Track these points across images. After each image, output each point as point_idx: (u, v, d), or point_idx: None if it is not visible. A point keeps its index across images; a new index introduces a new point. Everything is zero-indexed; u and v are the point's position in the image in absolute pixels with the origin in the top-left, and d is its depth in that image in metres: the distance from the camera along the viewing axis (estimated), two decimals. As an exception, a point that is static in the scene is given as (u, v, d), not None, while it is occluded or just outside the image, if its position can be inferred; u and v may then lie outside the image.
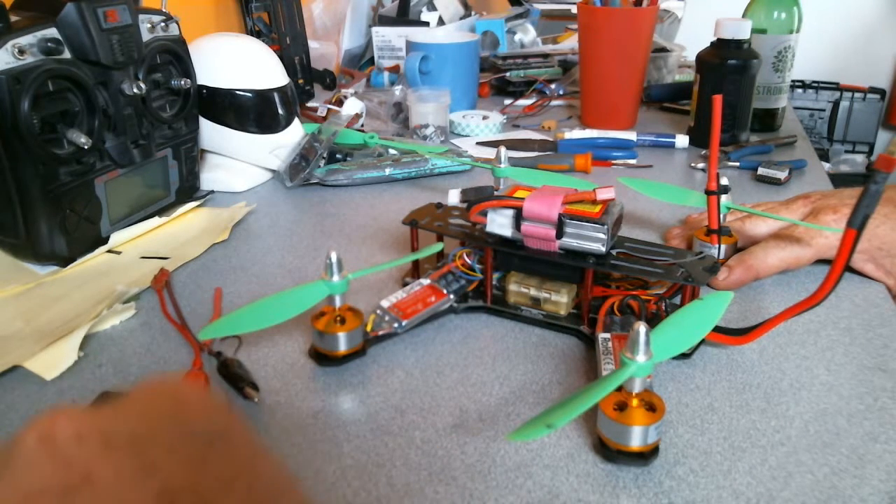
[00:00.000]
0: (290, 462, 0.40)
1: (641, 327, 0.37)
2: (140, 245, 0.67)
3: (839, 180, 0.98)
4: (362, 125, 1.00)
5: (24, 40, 0.54)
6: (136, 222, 0.68)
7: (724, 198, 0.59)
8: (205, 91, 0.76)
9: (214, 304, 0.56)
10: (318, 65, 1.24)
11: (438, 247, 0.54)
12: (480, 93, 1.17)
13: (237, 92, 0.77)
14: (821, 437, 0.41)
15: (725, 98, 0.58)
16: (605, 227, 0.48)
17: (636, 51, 0.96)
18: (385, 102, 1.04)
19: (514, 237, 0.51)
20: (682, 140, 0.93)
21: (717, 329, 0.47)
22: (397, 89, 1.05)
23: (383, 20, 1.35)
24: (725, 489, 0.38)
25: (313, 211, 0.75)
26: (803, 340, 0.50)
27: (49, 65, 0.56)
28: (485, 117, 1.01)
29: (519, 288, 0.53)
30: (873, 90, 2.48)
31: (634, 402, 0.38)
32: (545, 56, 1.27)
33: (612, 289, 0.52)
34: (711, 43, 0.90)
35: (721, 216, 0.58)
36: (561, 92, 1.16)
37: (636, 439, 0.38)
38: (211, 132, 0.79)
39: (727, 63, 0.88)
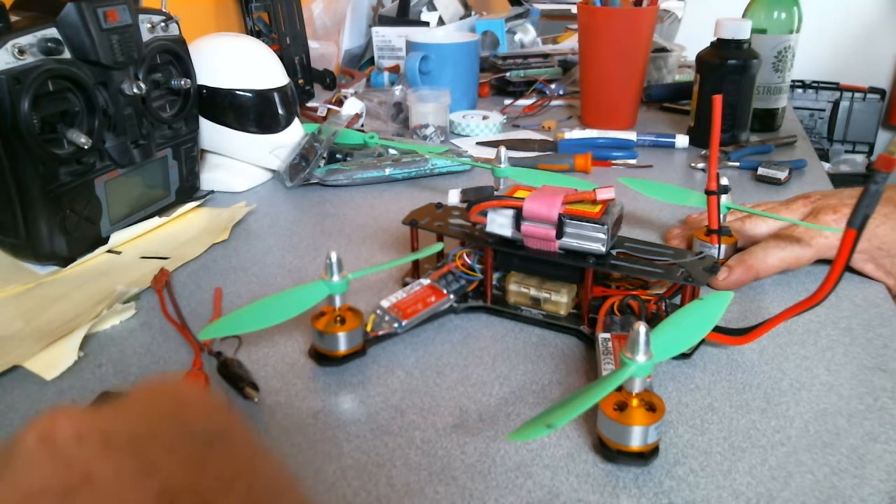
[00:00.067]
0: (290, 462, 0.40)
1: (641, 327, 0.37)
2: (140, 245, 0.67)
3: (839, 180, 0.98)
4: (362, 125, 1.00)
5: (24, 40, 0.54)
6: (136, 222, 0.68)
7: (724, 198, 0.59)
8: (205, 91, 0.76)
9: (214, 304, 0.56)
10: (318, 65, 1.24)
11: (438, 247, 0.54)
12: (480, 93, 1.17)
13: (237, 92, 0.77)
14: (821, 437, 0.41)
15: (725, 98, 0.58)
16: (605, 227, 0.48)
17: (636, 51, 0.96)
18: (385, 102, 1.04)
19: (514, 237, 0.51)
20: (682, 140, 0.93)
21: (717, 329, 0.47)
22: (397, 89, 1.05)
23: (383, 20, 1.35)
24: (725, 489, 0.38)
25: (313, 211, 0.75)
26: (803, 340, 0.51)
27: (49, 65, 0.56)
28: (485, 117, 1.01)
29: (519, 288, 0.53)
30: (873, 90, 2.48)
31: (634, 402, 0.38)
32: (545, 56, 1.27)
33: (612, 289, 0.52)
34: (711, 43, 0.90)
35: (721, 216, 0.58)
36: (561, 92, 1.16)
37: (636, 439, 0.38)
38: (211, 132, 0.79)
39: (727, 63, 0.88)
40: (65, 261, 0.61)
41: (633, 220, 0.71)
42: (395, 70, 1.24)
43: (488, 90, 1.22)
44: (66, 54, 0.58)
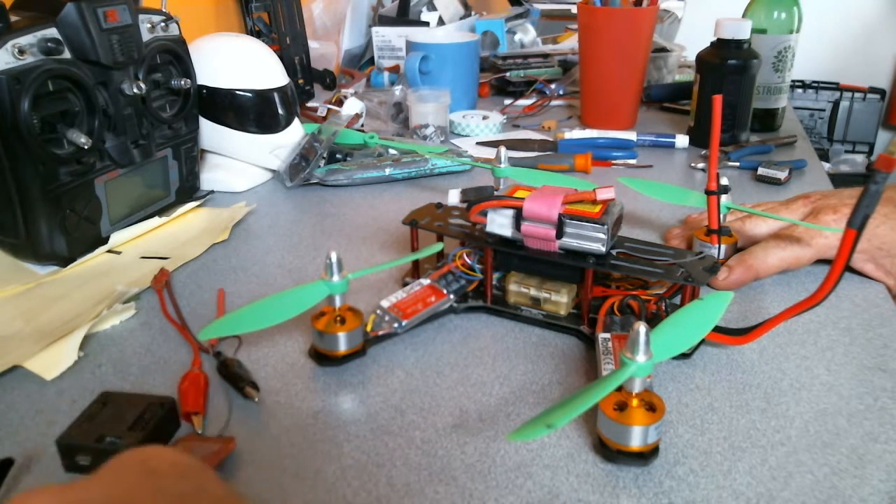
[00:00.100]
0: (290, 462, 0.40)
1: (641, 327, 0.37)
2: (140, 245, 0.67)
3: (839, 180, 0.98)
4: (362, 125, 1.00)
5: (24, 40, 0.54)
6: (136, 222, 0.68)
7: (724, 198, 0.59)
8: (205, 91, 0.76)
9: (218, 305, 0.56)
10: (318, 65, 1.24)
11: (438, 247, 0.54)
12: (480, 93, 1.17)
13: (237, 92, 0.77)
14: (821, 437, 0.41)
15: (725, 98, 0.58)
16: (605, 227, 0.48)
17: (636, 51, 0.96)
18: (385, 102, 1.04)
19: (514, 237, 0.51)
20: (682, 140, 0.93)
21: (717, 329, 0.47)
22: (397, 89, 1.05)
23: (383, 20, 1.35)
24: (725, 489, 0.38)
25: (313, 211, 0.75)
26: (803, 340, 0.51)
27: (49, 65, 0.56)
28: (485, 117, 1.01)
29: (519, 288, 0.53)
30: (873, 90, 2.48)
31: (634, 402, 0.38)
32: (545, 56, 1.27)
33: (612, 289, 0.52)
34: (711, 43, 0.90)
35: (721, 216, 0.58)
36: (561, 92, 1.16)
37: (636, 439, 0.38)
38: (211, 132, 0.79)
39: (727, 63, 0.88)
40: (65, 261, 0.61)
41: (633, 220, 0.71)
42: (395, 70, 1.24)
43: (488, 90, 1.22)
44: (66, 54, 0.58)
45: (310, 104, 1.11)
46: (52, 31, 0.57)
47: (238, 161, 0.81)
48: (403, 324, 0.50)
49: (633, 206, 0.73)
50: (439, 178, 0.84)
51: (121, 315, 0.54)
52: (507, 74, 1.20)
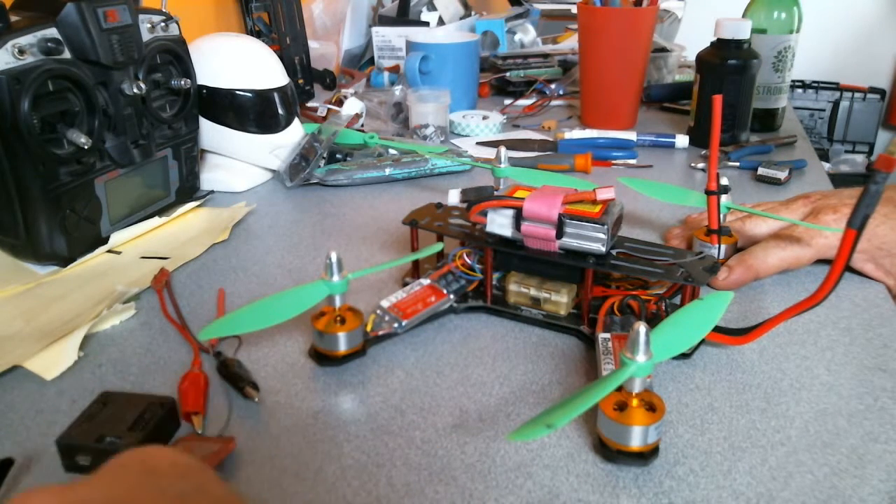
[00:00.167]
0: (290, 462, 0.40)
1: (641, 327, 0.37)
2: (140, 245, 0.67)
3: (839, 180, 0.98)
4: (362, 125, 1.00)
5: (24, 40, 0.54)
6: (136, 222, 0.68)
7: (724, 198, 0.59)
8: (205, 91, 0.76)
9: (218, 305, 0.56)
10: (318, 65, 1.24)
11: (438, 247, 0.54)
12: (480, 93, 1.17)
13: (237, 92, 0.77)
14: (821, 437, 0.41)
15: (725, 98, 0.58)
16: (605, 227, 0.48)
17: (636, 51, 0.96)
18: (385, 102, 1.04)
19: (514, 237, 0.51)
20: (682, 140, 0.93)
21: (717, 329, 0.47)
22: (397, 89, 1.05)
23: (383, 20, 1.35)
24: (725, 489, 0.38)
25: (313, 211, 0.75)
26: (803, 340, 0.51)
27: (49, 65, 0.56)
28: (485, 117, 1.01)
29: (519, 288, 0.53)
30: (873, 90, 2.48)
31: (634, 402, 0.38)
32: (545, 56, 1.27)
33: (612, 289, 0.52)
34: (711, 43, 0.90)
35: (721, 216, 0.58)
36: (561, 92, 1.16)
37: (636, 439, 0.38)
38: (211, 132, 0.79)
39: (727, 63, 0.88)
40: (65, 261, 0.61)
41: (633, 220, 0.71)
42: (395, 70, 1.24)
43: (488, 90, 1.22)
44: (66, 54, 0.58)
45: (310, 104, 1.11)
46: (52, 31, 0.57)
47: (238, 161, 0.81)
48: (403, 324, 0.50)
49: (633, 206, 0.73)
50: (439, 178, 0.84)
51: (121, 315, 0.54)
52: (507, 74, 1.20)
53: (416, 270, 0.58)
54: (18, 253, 0.62)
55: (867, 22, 2.47)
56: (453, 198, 0.74)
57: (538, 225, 0.49)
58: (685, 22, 1.55)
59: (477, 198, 0.59)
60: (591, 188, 0.49)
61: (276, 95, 0.80)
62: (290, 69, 1.12)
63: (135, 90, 0.63)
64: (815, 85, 2.48)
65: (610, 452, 0.39)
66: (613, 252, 0.50)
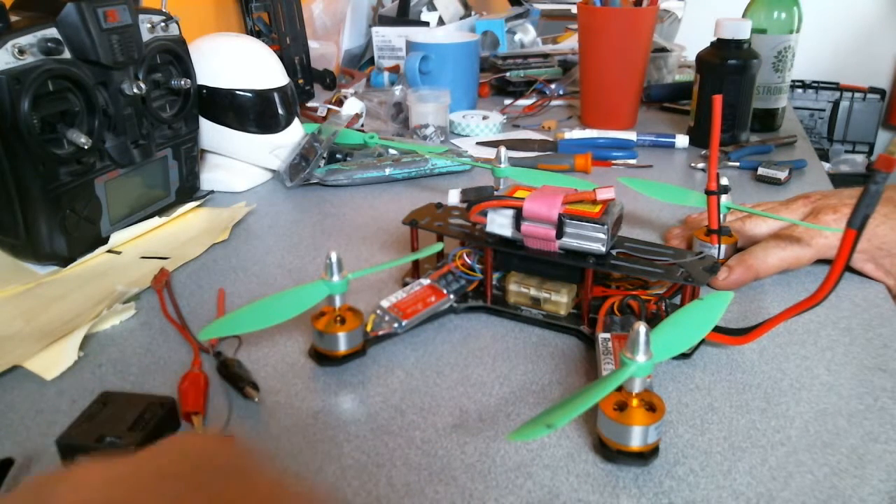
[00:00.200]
0: (290, 462, 0.40)
1: (641, 327, 0.37)
2: (140, 245, 0.67)
3: (839, 180, 0.98)
4: (362, 125, 1.00)
5: (24, 40, 0.54)
6: (136, 222, 0.68)
7: (724, 198, 0.59)
8: (205, 91, 0.76)
9: (218, 305, 0.56)
10: (318, 65, 1.24)
11: (438, 247, 0.54)
12: (480, 93, 1.17)
13: (237, 92, 0.77)
14: (821, 437, 0.41)
15: (725, 98, 0.58)
16: (605, 227, 0.48)
17: (636, 51, 0.96)
18: (385, 102, 1.04)
19: (514, 237, 0.51)
20: (682, 140, 0.93)
21: (717, 329, 0.47)
22: (397, 89, 1.05)
23: (383, 20, 1.35)
24: (725, 489, 0.38)
25: (313, 211, 0.75)
26: (803, 340, 0.50)
27: (49, 65, 0.56)
28: (485, 117, 1.01)
29: (519, 288, 0.53)
30: (873, 90, 2.48)
31: (634, 402, 0.38)
32: (545, 56, 1.27)
33: (612, 289, 0.52)
34: (711, 43, 0.90)
35: (721, 216, 0.58)
36: (561, 92, 1.16)
37: (636, 439, 0.38)
38: (211, 132, 0.79)
39: (727, 63, 0.88)
40: (65, 261, 0.61)
41: (633, 220, 0.71)
42: (395, 70, 1.24)
43: (488, 90, 1.22)
44: (66, 54, 0.58)
45: (310, 104, 1.11)
46: (52, 31, 0.57)
47: (238, 161, 0.81)
48: (403, 324, 0.50)
49: (633, 206, 0.73)
50: (439, 178, 0.84)
51: (121, 315, 0.54)
52: (507, 74, 1.20)
53: (416, 270, 0.58)
54: (18, 253, 0.62)
55: (867, 22, 2.47)
56: (453, 198, 0.74)
57: (538, 225, 0.49)
58: (685, 22, 1.55)
59: (477, 198, 0.59)
60: (591, 188, 0.49)
61: (276, 95, 0.80)
62: (290, 69, 1.12)
63: (135, 90, 0.63)
64: (815, 85, 2.48)
65: (610, 452, 0.39)
66: (613, 252, 0.50)
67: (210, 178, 0.80)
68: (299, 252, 0.66)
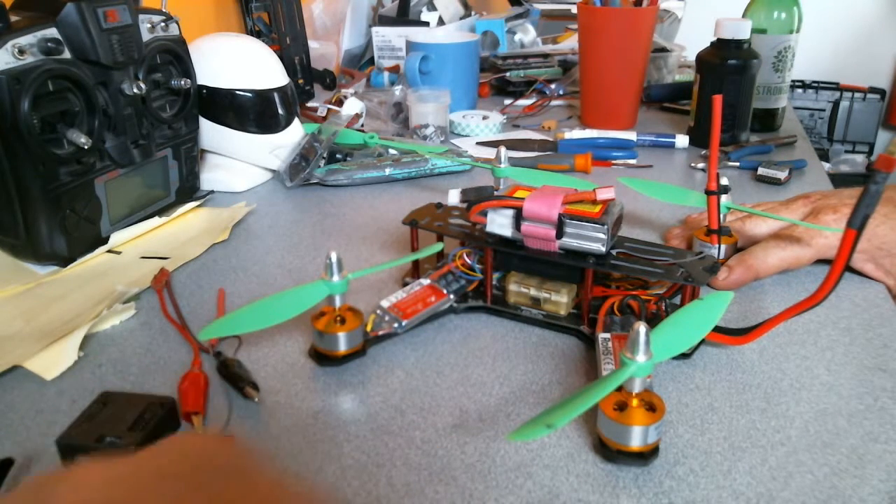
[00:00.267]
0: (290, 462, 0.40)
1: (641, 327, 0.37)
2: (140, 245, 0.67)
3: (839, 180, 0.98)
4: (362, 125, 1.00)
5: (24, 40, 0.54)
6: (136, 222, 0.68)
7: (724, 198, 0.59)
8: (205, 91, 0.76)
9: (218, 305, 0.56)
10: (318, 65, 1.24)
11: (438, 247, 0.54)
12: (480, 93, 1.17)
13: (237, 92, 0.77)
14: (821, 437, 0.41)
15: (725, 98, 0.58)
16: (605, 227, 0.48)
17: (636, 51, 0.96)
18: (385, 102, 1.04)
19: (514, 237, 0.51)
20: (682, 140, 0.93)
21: (717, 329, 0.47)
22: (397, 89, 1.05)
23: (383, 20, 1.35)
24: (725, 489, 0.38)
25: (313, 211, 0.75)
26: (803, 340, 0.50)
27: (49, 65, 0.56)
28: (485, 117, 1.01)
29: (519, 288, 0.53)
30: (873, 90, 2.48)
31: (634, 402, 0.38)
32: (545, 56, 1.27)
33: (612, 289, 0.52)
34: (711, 43, 0.90)
35: (721, 216, 0.58)
36: (561, 92, 1.16)
37: (636, 439, 0.38)
38: (211, 132, 0.79)
39: (727, 63, 0.88)
40: (65, 261, 0.61)
41: (633, 220, 0.71)
42: (395, 70, 1.24)
43: (488, 90, 1.22)
44: (66, 54, 0.58)
45: (310, 104, 1.11)
46: (52, 31, 0.57)
47: (238, 161, 0.81)
48: (403, 324, 0.50)
49: (633, 206, 0.73)
50: (439, 178, 0.84)
51: (121, 315, 0.54)
52: (507, 74, 1.20)
53: (416, 270, 0.58)
54: (18, 253, 0.62)
55: (867, 22, 2.47)
56: (453, 198, 0.74)
57: (538, 225, 0.49)
58: (685, 22, 1.55)
59: (477, 198, 0.59)
60: (591, 188, 0.49)
61: (276, 95, 0.80)
62: (290, 69, 1.13)
63: (135, 90, 0.63)
64: (815, 85, 2.48)
65: (610, 452, 0.39)
66: (613, 252, 0.50)
67: (210, 178, 0.80)
68: (299, 252, 0.66)
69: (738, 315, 0.54)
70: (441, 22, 1.33)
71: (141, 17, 0.65)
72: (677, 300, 0.51)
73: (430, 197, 0.78)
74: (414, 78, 1.03)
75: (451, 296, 0.53)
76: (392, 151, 0.86)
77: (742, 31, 0.87)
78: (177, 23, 0.70)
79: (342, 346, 0.48)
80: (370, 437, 0.42)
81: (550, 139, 0.95)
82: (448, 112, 0.98)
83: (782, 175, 0.80)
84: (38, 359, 0.48)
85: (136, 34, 0.63)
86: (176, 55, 0.70)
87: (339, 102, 1.04)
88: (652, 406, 0.39)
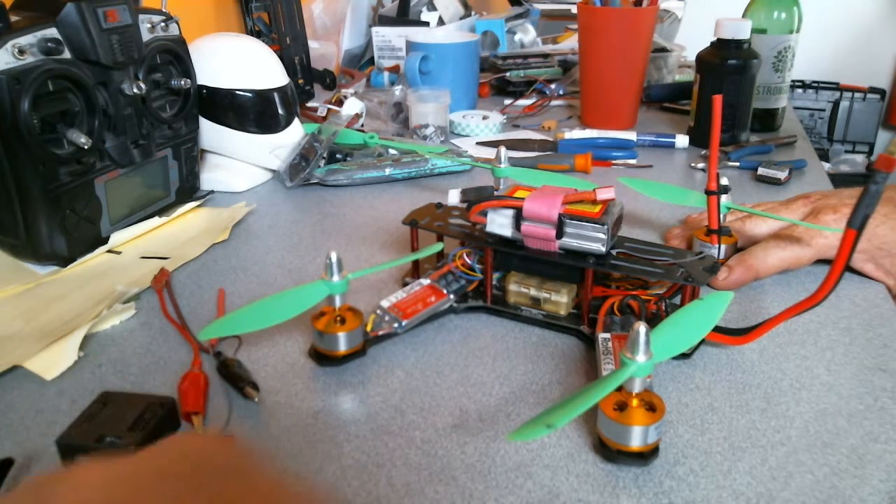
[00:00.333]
0: (290, 462, 0.40)
1: (641, 327, 0.37)
2: (140, 245, 0.67)
3: (839, 180, 0.98)
4: (362, 125, 1.00)
5: (24, 40, 0.54)
6: (136, 222, 0.68)
7: (724, 198, 0.59)
8: (205, 91, 0.76)
9: (218, 305, 0.56)
10: (318, 65, 1.24)
11: (438, 247, 0.54)
12: (480, 93, 1.17)
13: (237, 92, 0.77)
14: (821, 437, 0.41)
15: (725, 98, 0.58)
16: (605, 227, 0.48)
17: (636, 51, 0.96)
18: (385, 102, 1.04)
19: (514, 237, 0.51)
20: (682, 140, 0.93)
21: (717, 329, 0.47)
22: (397, 89, 1.05)
23: (383, 20, 1.35)
24: (725, 489, 0.38)
25: (313, 211, 0.75)
26: (803, 340, 0.50)
27: (49, 65, 0.56)
28: (485, 117, 1.01)
29: (519, 288, 0.53)
30: (873, 90, 2.48)
31: (634, 402, 0.38)
32: (545, 56, 1.27)
33: (612, 289, 0.52)
34: (711, 43, 0.90)
35: (721, 216, 0.58)
36: (561, 92, 1.16)
37: (636, 439, 0.38)
38: (211, 132, 0.79)
39: (727, 63, 0.88)
40: (65, 261, 0.61)
41: (633, 220, 0.71)
42: (395, 70, 1.24)
43: (488, 90, 1.22)
44: (66, 54, 0.58)
45: (310, 104, 1.11)
46: (52, 31, 0.57)
47: (238, 161, 0.81)
48: (403, 324, 0.50)
49: (633, 206, 0.73)
50: (439, 178, 0.84)
51: (121, 315, 0.54)
52: (507, 74, 1.20)
53: (416, 270, 0.58)
54: (18, 253, 0.62)
55: (867, 22, 2.47)
56: (453, 198, 0.74)
57: (538, 225, 0.49)
58: (685, 22, 1.55)
59: (477, 198, 0.59)
60: (591, 188, 0.49)
61: (276, 95, 0.80)
62: (290, 69, 1.13)
63: (135, 90, 0.63)
64: (815, 85, 2.48)
65: (610, 452, 0.39)
66: (613, 252, 0.50)
67: (210, 178, 0.80)
68: (299, 252, 0.66)
69: (738, 315, 0.54)
70: (441, 22, 1.33)
71: (141, 17, 0.65)
72: (677, 300, 0.51)
73: (430, 197, 0.78)
74: (414, 78, 1.03)
75: (451, 296, 0.53)
76: (392, 151, 0.86)
77: (742, 31, 0.87)
78: (177, 23, 0.70)
79: (342, 346, 0.48)
80: (370, 437, 0.42)
81: (550, 139, 0.95)
82: (448, 112, 0.98)
83: (782, 175, 0.80)
84: (38, 359, 0.48)
85: (136, 34, 0.63)
86: (176, 55, 0.70)
87: (339, 102, 1.04)
88: (652, 406, 0.39)
